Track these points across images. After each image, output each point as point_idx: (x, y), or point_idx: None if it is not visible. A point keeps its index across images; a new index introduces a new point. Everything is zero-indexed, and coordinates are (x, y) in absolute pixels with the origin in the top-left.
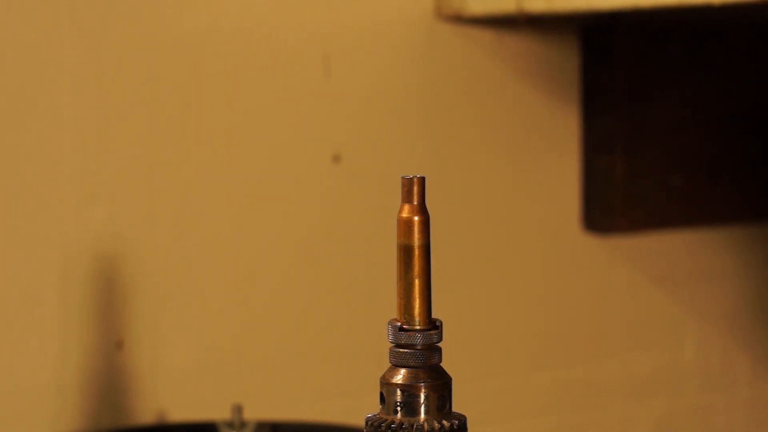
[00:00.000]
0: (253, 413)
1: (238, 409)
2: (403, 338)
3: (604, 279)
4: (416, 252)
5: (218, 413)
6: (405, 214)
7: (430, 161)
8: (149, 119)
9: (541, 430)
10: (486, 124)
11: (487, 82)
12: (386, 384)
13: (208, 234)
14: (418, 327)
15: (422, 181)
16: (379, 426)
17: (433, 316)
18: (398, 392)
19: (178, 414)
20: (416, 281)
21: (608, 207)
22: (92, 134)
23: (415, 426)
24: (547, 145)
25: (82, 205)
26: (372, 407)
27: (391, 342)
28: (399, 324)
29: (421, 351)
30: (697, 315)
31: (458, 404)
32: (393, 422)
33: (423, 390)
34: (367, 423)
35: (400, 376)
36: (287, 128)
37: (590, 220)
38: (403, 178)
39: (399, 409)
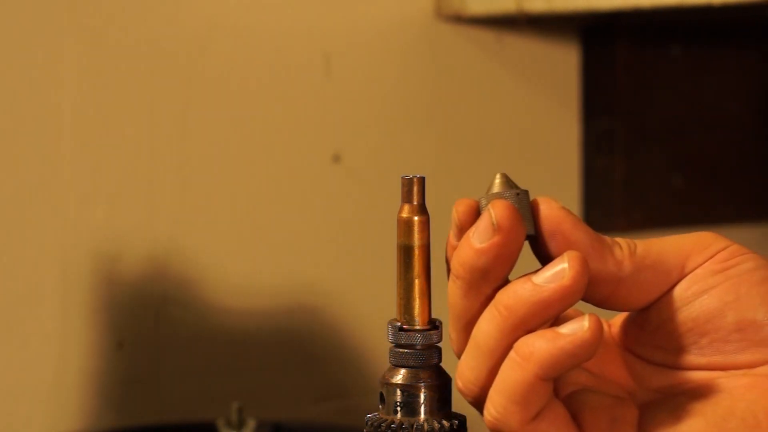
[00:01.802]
0: (253, 413)
1: (238, 409)
2: (403, 338)
3: None
4: (416, 252)
5: (218, 413)
6: (405, 214)
7: (430, 161)
8: (149, 119)
9: None
10: (486, 124)
11: (487, 82)
12: (386, 384)
13: (207, 234)
14: (418, 327)
15: (422, 181)
16: (379, 426)
17: (433, 316)
18: (398, 392)
19: (178, 414)
20: (416, 281)
21: (608, 207)
22: (92, 134)
23: (415, 426)
24: (547, 145)
25: (82, 205)
26: (372, 407)
27: (391, 342)
28: (399, 324)
29: (421, 351)
30: None
31: (458, 404)
32: (393, 422)
33: (423, 390)
34: (367, 423)
35: (399, 376)
36: (287, 128)
37: (590, 220)
38: (403, 178)
39: (399, 409)
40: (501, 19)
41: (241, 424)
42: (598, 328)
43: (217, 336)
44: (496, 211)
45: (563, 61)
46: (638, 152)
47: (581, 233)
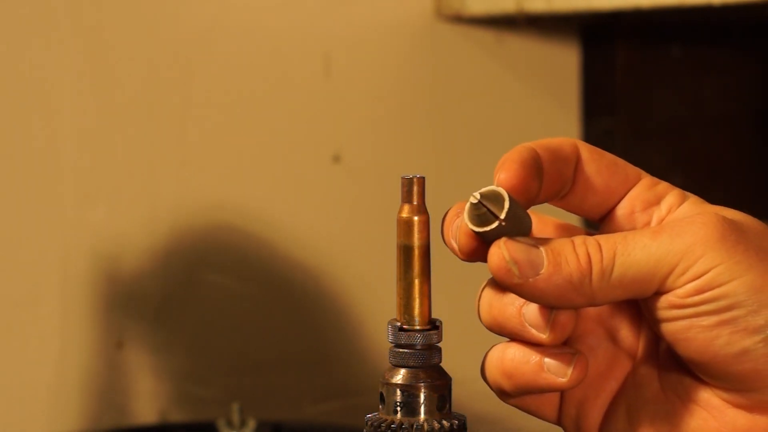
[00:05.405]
0: (253, 413)
1: (238, 409)
2: (403, 338)
3: None
4: (416, 252)
5: (218, 413)
6: (405, 214)
7: (430, 161)
8: (149, 119)
9: (541, 429)
10: (486, 123)
11: (487, 82)
12: (386, 384)
13: (207, 233)
14: (418, 327)
15: (422, 181)
16: (379, 426)
17: (433, 316)
18: (398, 392)
19: (178, 414)
20: (416, 281)
21: None
22: (92, 134)
23: (415, 426)
24: None
25: (82, 204)
26: (372, 407)
27: (391, 342)
28: (399, 324)
29: (421, 351)
30: None
31: (458, 404)
32: (393, 422)
33: (423, 390)
34: (367, 423)
35: (399, 376)
36: (287, 128)
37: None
38: (403, 178)
39: (399, 409)
40: (501, 19)
41: (241, 424)
42: (579, 378)
43: (218, 336)
44: (460, 242)
45: (563, 61)
46: (638, 152)
47: (552, 287)
